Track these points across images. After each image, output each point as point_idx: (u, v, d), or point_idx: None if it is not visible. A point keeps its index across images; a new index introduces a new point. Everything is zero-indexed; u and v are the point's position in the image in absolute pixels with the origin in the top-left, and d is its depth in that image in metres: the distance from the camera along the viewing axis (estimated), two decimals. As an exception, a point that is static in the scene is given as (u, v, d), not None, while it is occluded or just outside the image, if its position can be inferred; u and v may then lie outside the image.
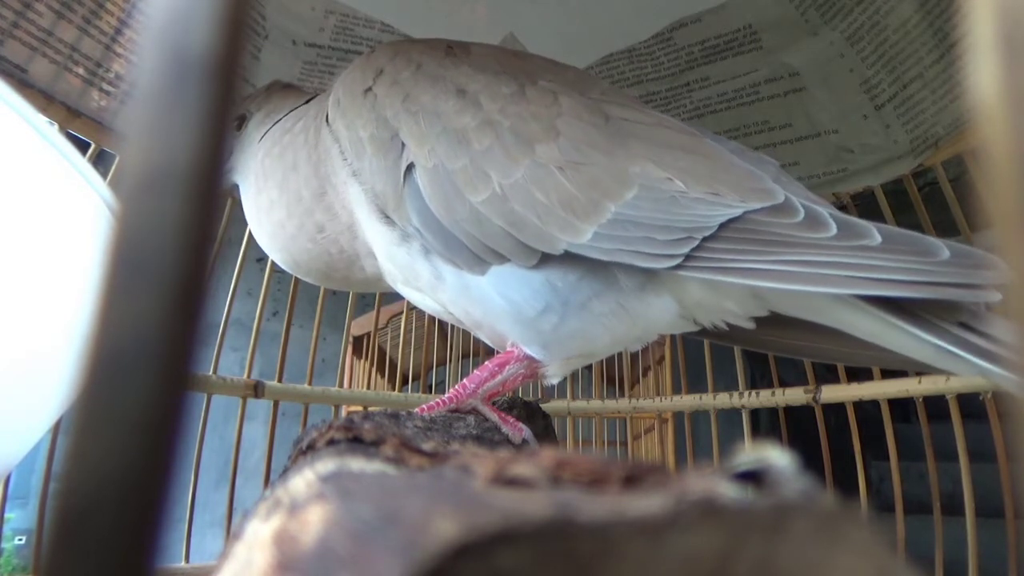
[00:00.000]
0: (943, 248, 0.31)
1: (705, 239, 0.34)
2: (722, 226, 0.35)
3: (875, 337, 0.37)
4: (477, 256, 0.39)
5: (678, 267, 0.35)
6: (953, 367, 0.34)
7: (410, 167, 0.40)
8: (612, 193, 0.36)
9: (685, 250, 0.34)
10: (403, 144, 0.40)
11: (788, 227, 0.34)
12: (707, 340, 0.47)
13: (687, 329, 0.44)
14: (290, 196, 0.46)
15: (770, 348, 0.47)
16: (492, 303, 0.39)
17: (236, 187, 0.52)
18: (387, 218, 0.41)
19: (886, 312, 0.34)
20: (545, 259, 0.38)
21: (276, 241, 0.48)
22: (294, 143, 0.47)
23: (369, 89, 0.43)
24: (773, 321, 0.42)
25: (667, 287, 0.39)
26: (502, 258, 0.38)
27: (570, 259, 0.37)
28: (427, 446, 0.19)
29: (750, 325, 0.42)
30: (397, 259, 0.42)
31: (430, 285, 0.42)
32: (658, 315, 0.40)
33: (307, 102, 0.50)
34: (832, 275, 0.32)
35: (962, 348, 0.32)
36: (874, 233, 0.32)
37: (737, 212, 0.35)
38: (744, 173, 0.37)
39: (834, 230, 0.33)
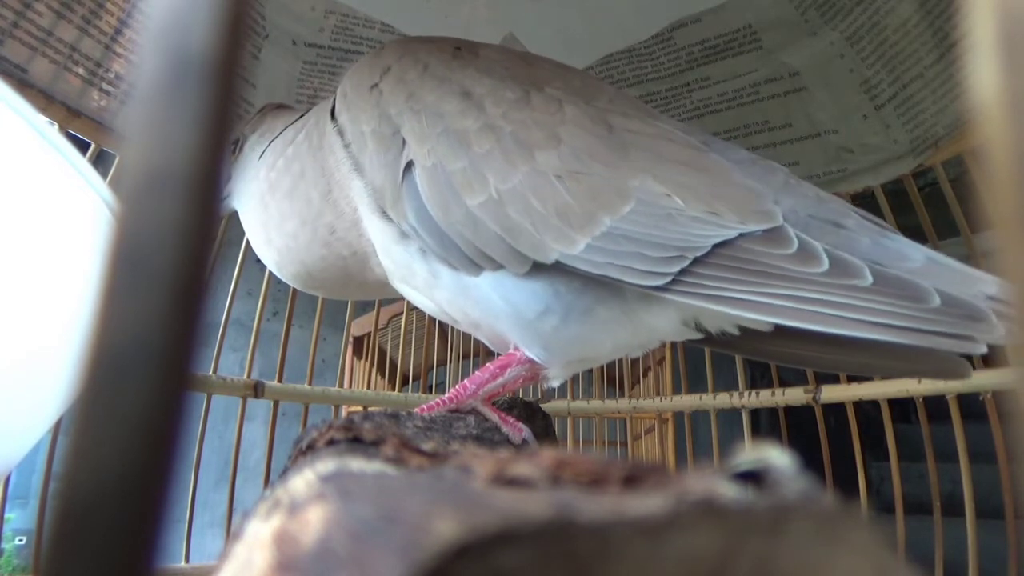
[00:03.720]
0: (934, 295, 0.31)
1: (696, 259, 0.34)
2: (715, 248, 0.34)
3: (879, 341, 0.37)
4: (471, 260, 0.39)
5: (665, 288, 0.34)
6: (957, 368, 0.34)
7: (409, 165, 0.40)
8: (609, 206, 0.36)
9: (675, 269, 0.34)
10: (404, 141, 0.40)
11: (780, 258, 0.33)
12: (708, 348, 0.47)
13: (691, 337, 0.44)
14: (301, 204, 0.45)
15: (773, 358, 0.46)
16: (491, 304, 0.39)
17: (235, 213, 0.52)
18: (385, 214, 0.41)
19: None
20: (541, 266, 0.38)
21: (289, 255, 0.47)
22: (299, 151, 0.47)
23: (375, 85, 0.43)
24: (777, 332, 0.42)
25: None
26: (495, 263, 0.38)
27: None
28: (427, 446, 0.19)
29: (766, 327, 0.42)
30: (394, 256, 0.42)
31: (426, 284, 0.42)
32: (662, 324, 0.40)
33: (303, 115, 0.50)
34: (817, 313, 0.32)
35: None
36: (865, 273, 0.32)
37: (732, 234, 0.34)
38: (745, 192, 0.36)
39: (825, 266, 0.32)
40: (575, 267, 0.36)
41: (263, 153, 0.49)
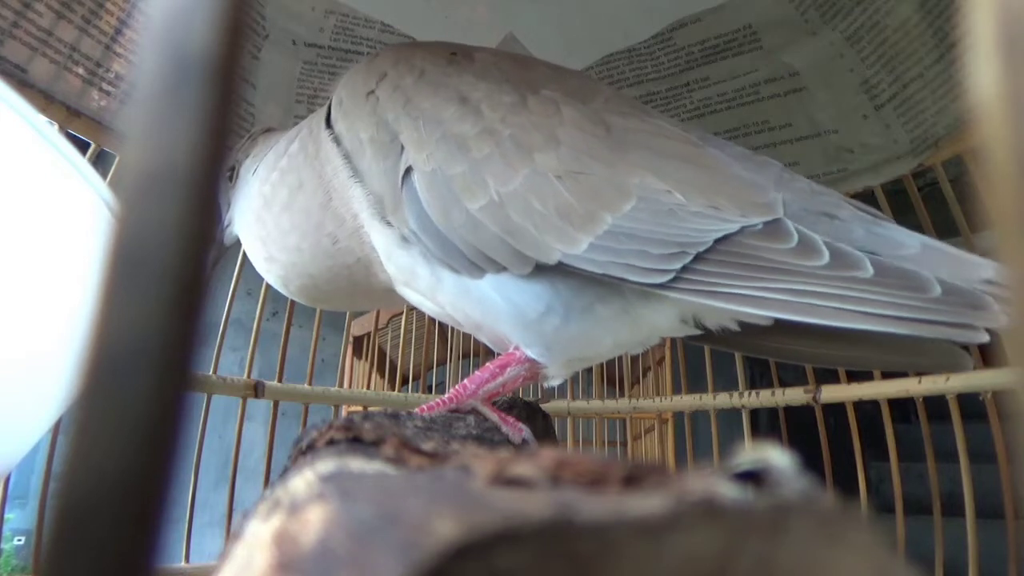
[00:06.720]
0: (935, 284, 0.31)
1: (698, 255, 0.34)
2: (716, 243, 0.34)
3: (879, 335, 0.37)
4: (473, 263, 0.39)
5: (667, 286, 0.34)
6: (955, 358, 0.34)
7: (408, 171, 0.40)
8: (610, 204, 0.36)
9: (677, 265, 0.34)
10: (403, 147, 0.40)
11: (780, 252, 0.33)
12: (707, 346, 0.47)
13: (691, 333, 0.44)
14: (300, 217, 0.45)
15: (772, 355, 0.46)
16: (493, 305, 0.39)
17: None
18: (387, 220, 0.41)
19: None
20: (543, 266, 0.38)
21: (295, 269, 0.46)
22: (294, 162, 0.46)
23: (372, 92, 0.43)
24: (776, 328, 0.42)
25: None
26: (498, 266, 0.38)
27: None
28: (427, 446, 0.19)
29: (765, 322, 0.42)
30: (398, 261, 0.42)
31: (429, 287, 0.42)
32: (662, 320, 0.40)
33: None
34: (819, 306, 0.32)
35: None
36: (866, 265, 0.32)
37: (734, 227, 0.34)
38: (744, 185, 0.36)
39: (826, 259, 0.32)
40: (578, 267, 0.36)
41: (256, 170, 0.49)
